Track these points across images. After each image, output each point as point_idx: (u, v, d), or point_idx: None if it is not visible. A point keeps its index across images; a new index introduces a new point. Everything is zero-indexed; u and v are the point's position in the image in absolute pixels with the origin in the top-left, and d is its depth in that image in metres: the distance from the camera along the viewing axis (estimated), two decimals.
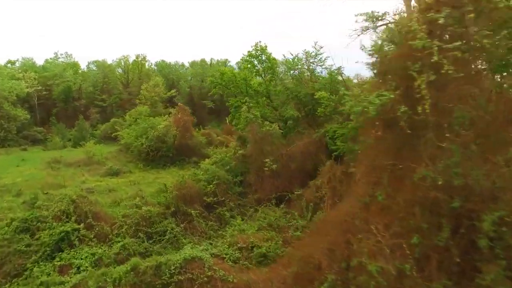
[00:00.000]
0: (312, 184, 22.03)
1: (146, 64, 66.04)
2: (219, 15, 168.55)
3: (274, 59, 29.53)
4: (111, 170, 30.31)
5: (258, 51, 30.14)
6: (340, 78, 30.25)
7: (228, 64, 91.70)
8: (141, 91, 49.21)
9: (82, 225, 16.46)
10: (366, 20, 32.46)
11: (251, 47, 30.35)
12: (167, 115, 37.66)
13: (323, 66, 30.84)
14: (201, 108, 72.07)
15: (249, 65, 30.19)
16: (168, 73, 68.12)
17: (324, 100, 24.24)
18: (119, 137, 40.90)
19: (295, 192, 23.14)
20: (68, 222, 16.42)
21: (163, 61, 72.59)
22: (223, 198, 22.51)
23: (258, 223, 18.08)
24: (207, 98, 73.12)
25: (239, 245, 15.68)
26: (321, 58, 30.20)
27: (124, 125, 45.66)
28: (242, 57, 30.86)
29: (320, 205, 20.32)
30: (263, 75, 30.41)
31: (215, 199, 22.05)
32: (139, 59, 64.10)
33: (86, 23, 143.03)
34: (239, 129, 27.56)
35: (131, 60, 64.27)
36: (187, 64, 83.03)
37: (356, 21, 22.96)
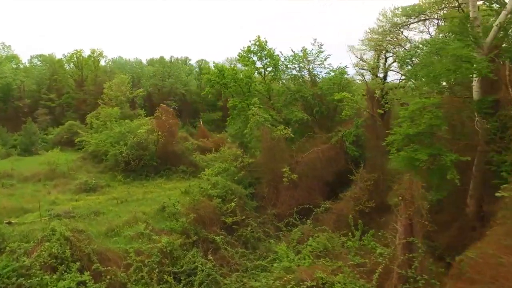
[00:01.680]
0: (348, 196, 19.15)
1: (103, 60, 58.29)
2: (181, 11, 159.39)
3: (277, 56, 26.13)
4: (85, 185, 24.49)
5: (258, 47, 26.52)
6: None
7: (189, 63, 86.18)
8: (104, 90, 42.39)
9: (86, 274, 11.59)
10: (404, 16, 29.98)
11: (250, 41, 26.67)
12: (146, 118, 32.21)
13: (324, 65, 28.35)
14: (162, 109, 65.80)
15: (247, 62, 26.44)
16: (127, 71, 60.66)
17: (347, 102, 21.54)
18: (83, 143, 34.38)
19: (322, 205, 20.13)
20: (67, 272, 11.43)
21: (120, 57, 64.93)
22: (243, 217, 18.66)
23: (308, 249, 14.54)
24: (168, 98, 67.32)
25: (306, 283, 12.01)
26: (324, 56, 27.61)
27: (87, 129, 38.86)
28: (239, 53, 26.98)
29: (370, 223, 17.36)
30: (263, 73, 26.86)
31: (235, 219, 18.14)
32: (95, 54, 56.10)
33: (27, 15, 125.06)
34: (246, 134, 23.65)
35: (85, 55, 55.90)
36: (144, 62, 75.84)
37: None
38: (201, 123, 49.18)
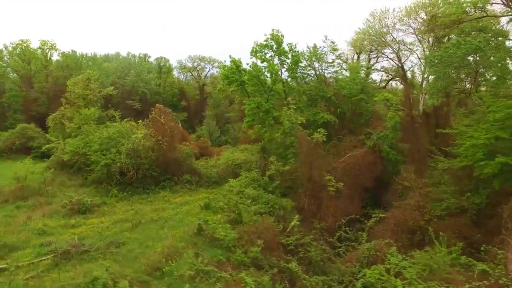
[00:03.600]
0: (407, 204, 17.33)
1: (56, 54, 49.33)
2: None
3: (298, 52, 23.46)
4: (78, 204, 19.26)
5: (273, 42, 23.65)
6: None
7: (147, 60, 79.24)
8: (68, 87, 35.21)
9: None
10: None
11: (265, 35, 23.69)
12: (139, 121, 27.00)
13: (334, 64, 26.57)
14: (124, 110, 58.85)
15: (264, 58, 23.42)
16: (83, 67, 52.36)
17: (392, 103, 19.78)
18: (54, 151, 28.13)
19: (374, 215, 18.14)
20: None
21: (74, 51, 56.01)
22: (300, 235, 15.84)
23: (412, 272, 12.20)
24: (130, 98, 60.78)
25: None
26: (339, 54, 25.79)
27: (53, 134, 32.17)
28: (254, 47, 23.78)
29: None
30: (281, 71, 24.08)
31: (293, 239, 15.28)
32: (46, 46, 47.35)
33: None
34: (269, 138, 20.54)
35: (33, 47, 46.78)
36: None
37: None
38: (179, 124, 44.18)
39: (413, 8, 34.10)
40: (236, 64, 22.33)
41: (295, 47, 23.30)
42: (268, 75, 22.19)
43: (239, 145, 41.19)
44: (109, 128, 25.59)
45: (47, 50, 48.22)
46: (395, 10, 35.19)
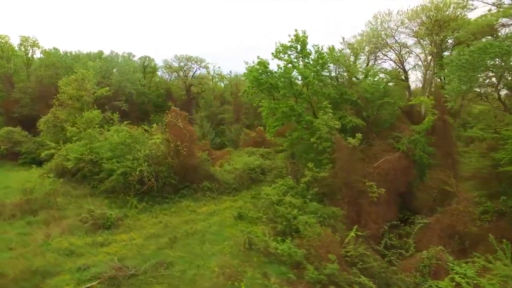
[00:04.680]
0: (455, 210, 17.01)
1: (38, 51, 45.21)
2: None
3: (323, 54, 22.64)
4: (100, 219, 17.31)
5: (298, 43, 22.73)
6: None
7: (131, 59, 75.70)
8: (61, 88, 31.99)
9: None
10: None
11: (290, 36, 22.73)
12: (153, 124, 24.96)
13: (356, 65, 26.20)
14: (110, 111, 55.62)
15: (289, 60, 22.44)
16: (69, 66, 48.60)
17: (428, 107, 19.42)
18: (55, 158, 25.59)
19: (418, 221, 17.74)
20: None
21: (56, 49, 51.88)
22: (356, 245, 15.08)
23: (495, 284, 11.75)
24: (116, 98, 57.62)
25: None
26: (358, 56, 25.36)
27: (45, 138, 29.42)
28: (277, 48, 22.71)
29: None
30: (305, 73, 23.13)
31: (355, 250, 14.51)
32: (27, 43, 43.32)
33: None
34: (314, 144, 19.40)
35: (14, 45, 42.65)
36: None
37: None
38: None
39: (416, 12, 34.53)
40: (265, 65, 21.17)
41: (321, 49, 22.50)
42: (299, 77, 21.18)
43: (241, 147, 39.99)
44: (119, 132, 23.41)
45: (29, 47, 44.25)
46: (399, 13, 35.57)
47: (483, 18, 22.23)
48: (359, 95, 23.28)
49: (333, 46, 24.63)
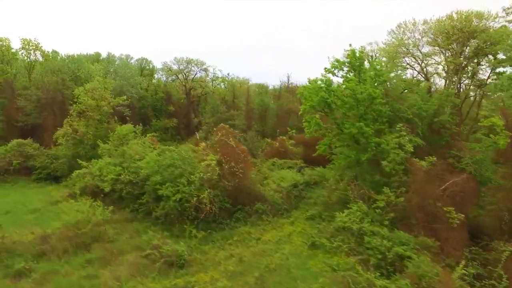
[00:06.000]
0: None
1: (39, 55, 41.23)
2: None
3: (381, 70, 21.71)
4: (172, 256, 15.56)
5: (355, 59, 21.70)
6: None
7: (129, 61, 72.50)
8: (79, 97, 28.95)
9: None
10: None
11: (345, 51, 21.73)
12: (202, 143, 23.11)
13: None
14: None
15: (348, 77, 21.38)
16: (72, 69, 45.04)
17: (500, 128, 18.84)
18: (81, 177, 23.31)
19: (503, 248, 17.14)
20: None
21: (55, 51, 48.03)
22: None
23: None
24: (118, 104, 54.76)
25: None
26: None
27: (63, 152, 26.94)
28: (333, 63, 21.60)
29: None
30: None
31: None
32: (29, 47, 39.48)
33: None
34: (386, 167, 18.36)
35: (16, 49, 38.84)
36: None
37: None
38: (197, 136, 40.02)
39: (442, 22, 34.45)
40: (328, 83, 19.99)
41: (379, 65, 21.58)
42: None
43: (263, 158, 38.42)
44: (169, 152, 21.42)
45: (31, 51, 40.74)
46: (426, 23, 35.45)
47: None
48: (412, 112, 22.58)
49: (378, 60, 23.87)
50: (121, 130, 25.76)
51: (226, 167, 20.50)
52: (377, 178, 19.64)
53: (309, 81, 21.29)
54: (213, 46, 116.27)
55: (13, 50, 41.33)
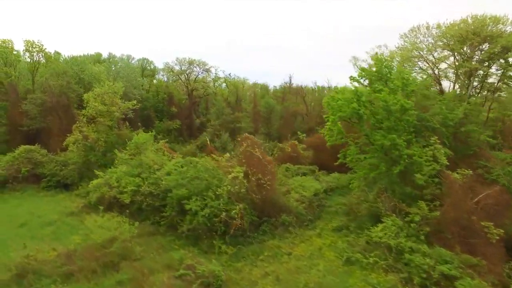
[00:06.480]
0: None
1: (41, 56, 39.85)
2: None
3: (409, 79, 21.21)
4: (209, 277, 14.90)
5: (383, 67, 21.21)
6: None
7: (131, 62, 71.12)
8: (89, 102, 27.89)
9: None
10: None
11: (367, 53, 21.26)
12: (226, 154, 22.34)
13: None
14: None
15: (375, 89, 20.85)
16: (76, 71, 43.67)
17: None
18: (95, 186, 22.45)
19: None
20: None
21: (57, 53, 46.52)
22: None
23: None
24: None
25: None
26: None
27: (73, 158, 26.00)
28: (359, 72, 21.10)
29: None
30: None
31: None
32: (32, 48, 38.14)
33: None
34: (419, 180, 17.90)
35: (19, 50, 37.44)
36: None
37: None
38: (208, 142, 39.20)
39: (456, 27, 34.29)
40: (358, 94, 19.44)
41: (409, 75, 21.09)
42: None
43: (276, 162, 37.78)
44: (197, 165, 20.58)
45: (35, 53, 39.36)
46: (439, 27, 35.30)
47: None
48: (437, 121, 22.21)
49: (409, 71, 23.41)
50: (138, 138, 24.87)
51: (253, 179, 19.87)
52: (409, 190, 19.22)
53: (336, 91, 20.70)
54: (213, 46, 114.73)
55: (15, 52, 40.00)
